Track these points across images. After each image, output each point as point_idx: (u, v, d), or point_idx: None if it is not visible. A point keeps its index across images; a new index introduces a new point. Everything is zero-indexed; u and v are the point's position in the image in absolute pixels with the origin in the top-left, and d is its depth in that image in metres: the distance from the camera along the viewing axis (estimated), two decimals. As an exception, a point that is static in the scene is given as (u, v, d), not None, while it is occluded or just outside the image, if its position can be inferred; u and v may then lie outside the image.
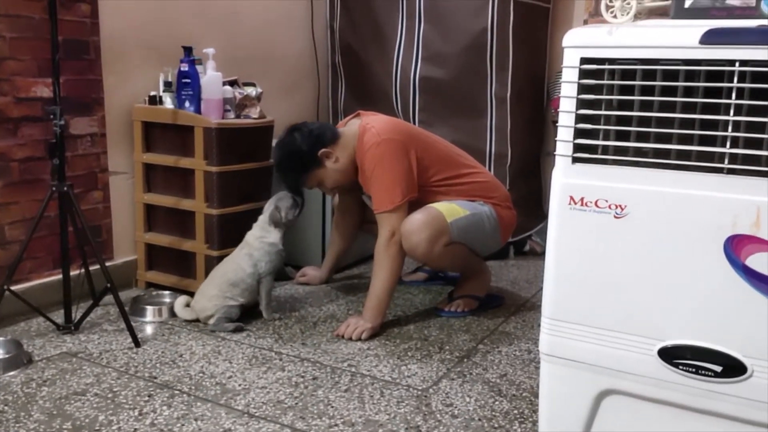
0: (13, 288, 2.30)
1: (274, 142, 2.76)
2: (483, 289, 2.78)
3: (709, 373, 1.26)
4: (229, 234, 2.71)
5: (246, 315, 2.59)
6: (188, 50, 2.71)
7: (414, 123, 3.50)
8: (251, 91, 2.86)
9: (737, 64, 1.18)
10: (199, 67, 2.73)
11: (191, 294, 2.64)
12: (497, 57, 3.29)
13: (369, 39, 3.63)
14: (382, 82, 3.59)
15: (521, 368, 2.24)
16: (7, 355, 2.21)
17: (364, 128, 2.52)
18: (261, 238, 2.59)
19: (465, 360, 2.30)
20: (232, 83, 2.83)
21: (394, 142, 2.47)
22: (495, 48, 3.27)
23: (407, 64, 3.48)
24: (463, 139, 3.37)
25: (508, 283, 3.11)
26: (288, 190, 2.67)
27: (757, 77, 1.18)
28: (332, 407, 1.96)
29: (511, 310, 2.78)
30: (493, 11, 3.24)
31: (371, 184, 2.50)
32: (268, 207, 2.63)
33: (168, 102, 2.79)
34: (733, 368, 1.25)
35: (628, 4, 1.40)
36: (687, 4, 1.35)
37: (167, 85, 2.80)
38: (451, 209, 2.50)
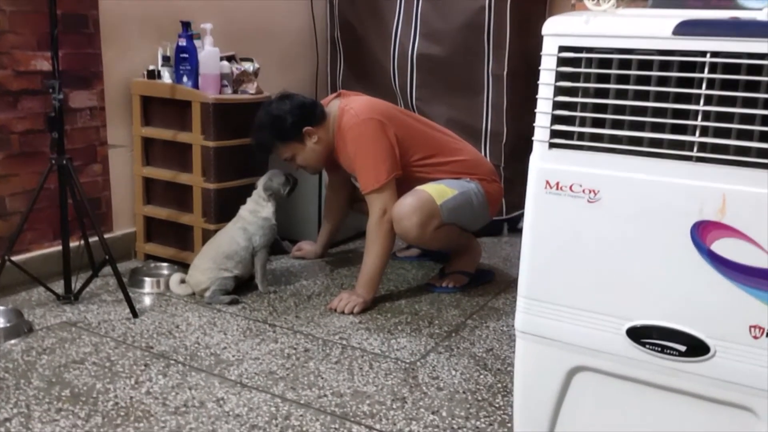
0: (13, 258, 2.37)
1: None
2: (473, 265, 2.83)
3: (674, 353, 1.32)
4: (225, 208, 2.76)
5: (242, 288, 2.65)
6: (186, 25, 2.73)
7: (411, 100, 3.52)
8: (248, 66, 2.88)
9: (708, 55, 1.22)
10: (197, 42, 2.76)
11: (188, 266, 2.69)
12: (494, 35, 3.30)
13: (367, 15, 3.64)
14: (380, 58, 3.61)
15: (507, 343, 2.30)
16: (8, 324, 2.27)
17: (343, 110, 2.54)
18: (255, 213, 2.64)
19: (453, 334, 2.36)
20: (230, 58, 2.85)
21: (373, 121, 2.49)
22: (492, 26, 3.29)
23: (405, 40, 3.50)
24: (460, 116, 3.40)
25: (500, 260, 3.16)
26: (257, 152, 2.69)
27: (727, 68, 1.22)
28: (322, 378, 2.03)
29: (501, 286, 2.83)
30: (491, -11, 3.25)
31: (355, 165, 2.53)
32: (262, 180, 2.68)
33: (166, 76, 2.82)
34: (696, 348, 1.30)
35: (609, -8, 1.43)
36: (665, -6, 1.38)
37: (165, 59, 2.83)
38: (440, 190, 2.53)
